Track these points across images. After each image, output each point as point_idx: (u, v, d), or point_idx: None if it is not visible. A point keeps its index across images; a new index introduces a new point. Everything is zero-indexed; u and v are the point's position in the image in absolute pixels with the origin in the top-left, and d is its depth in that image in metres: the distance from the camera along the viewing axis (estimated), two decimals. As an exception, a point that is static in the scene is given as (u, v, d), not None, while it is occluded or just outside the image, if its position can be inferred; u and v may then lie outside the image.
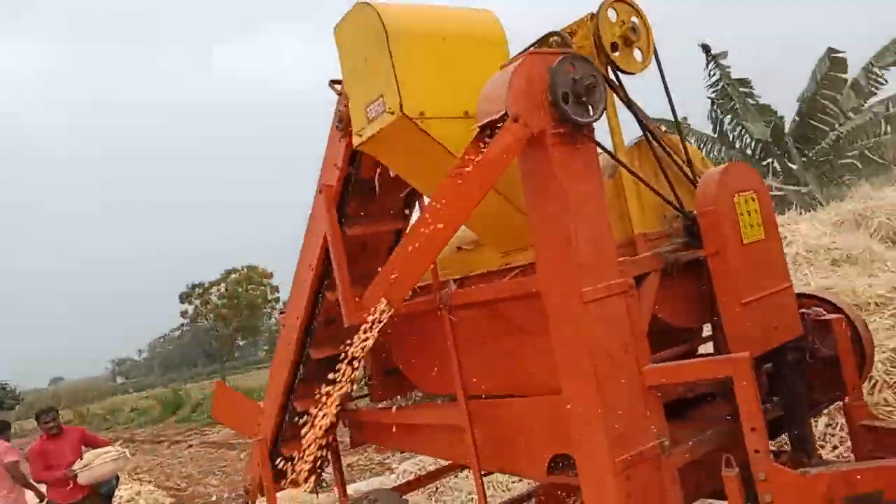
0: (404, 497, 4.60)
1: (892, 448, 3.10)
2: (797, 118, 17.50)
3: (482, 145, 2.77)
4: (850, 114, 17.10)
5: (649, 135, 3.26)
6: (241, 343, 53.52)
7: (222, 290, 42.30)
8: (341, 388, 3.21)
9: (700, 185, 3.14)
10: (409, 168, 3.43)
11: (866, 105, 17.30)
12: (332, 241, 3.75)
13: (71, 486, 6.54)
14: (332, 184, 3.74)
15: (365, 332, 2.88)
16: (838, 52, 16.31)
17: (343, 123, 3.56)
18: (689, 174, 3.34)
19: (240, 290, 41.92)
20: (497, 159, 2.67)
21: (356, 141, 3.37)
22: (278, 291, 41.70)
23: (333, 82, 3.73)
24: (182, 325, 53.76)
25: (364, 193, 3.80)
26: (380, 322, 2.76)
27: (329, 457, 5.11)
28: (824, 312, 3.42)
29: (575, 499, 4.35)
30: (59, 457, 6.60)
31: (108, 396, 56.61)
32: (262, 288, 42.66)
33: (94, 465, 6.47)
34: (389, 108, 3.11)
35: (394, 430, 4.48)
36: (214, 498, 10.63)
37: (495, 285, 3.55)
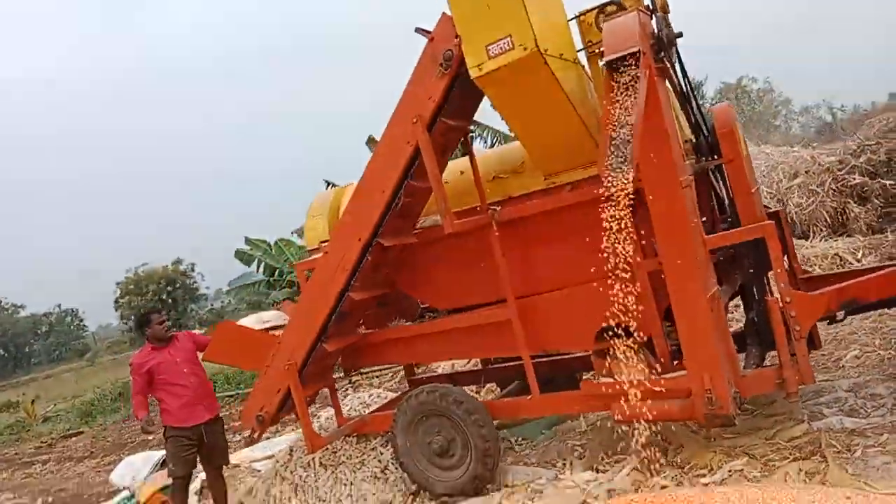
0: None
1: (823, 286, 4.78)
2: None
3: (614, 81, 3.76)
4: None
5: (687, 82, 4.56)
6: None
7: None
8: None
9: (718, 114, 4.53)
10: (515, 104, 4.23)
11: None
12: (426, 156, 4.37)
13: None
14: (426, 112, 4.36)
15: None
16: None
17: (449, 62, 4.22)
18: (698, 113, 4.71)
19: None
20: (651, 83, 3.71)
21: (474, 73, 4.08)
22: None
23: (420, 30, 4.37)
24: None
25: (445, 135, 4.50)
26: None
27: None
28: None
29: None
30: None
31: None
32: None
33: None
34: (521, 45, 3.93)
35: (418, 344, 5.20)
36: None
37: (560, 196, 4.54)
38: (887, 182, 10.16)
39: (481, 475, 4.74)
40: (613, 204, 3.59)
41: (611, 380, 4.36)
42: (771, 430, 4.46)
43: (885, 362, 5.56)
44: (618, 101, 3.68)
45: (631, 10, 4.21)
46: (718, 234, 4.31)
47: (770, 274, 4.78)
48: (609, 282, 4.02)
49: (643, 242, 4.31)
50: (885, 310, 6.32)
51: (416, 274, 5.25)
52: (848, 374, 5.55)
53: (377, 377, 11.30)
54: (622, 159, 3.45)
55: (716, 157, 4.63)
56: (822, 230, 10.34)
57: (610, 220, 3.72)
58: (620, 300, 3.98)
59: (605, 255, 3.88)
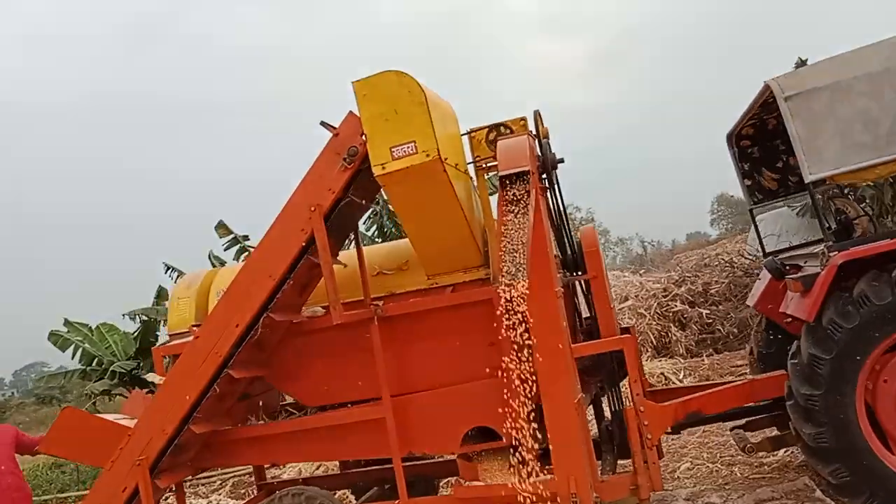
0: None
1: (667, 400, 5.23)
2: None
3: (508, 193, 4.10)
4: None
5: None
6: None
7: None
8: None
9: (585, 234, 4.99)
10: (411, 204, 4.44)
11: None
12: (321, 250, 4.38)
13: None
14: (325, 203, 4.42)
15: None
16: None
17: (353, 158, 4.36)
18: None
19: None
20: (536, 203, 4.06)
21: (377, 171, 4.24)
22: None
23: (325, 124, 4.50)
24: None
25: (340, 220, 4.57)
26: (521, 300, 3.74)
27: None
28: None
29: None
30: None
31: None
32: None
33: None
34: (425, 151, 4.18)
35: (278, 442, 5.00)
36: None
37: (447, 296, 4.71)
38: (703, 311, 11.43)
39: None
40: (512, 306, 3.78)
41: (481, 483, 4.41)
42: None
43: (714, 474, 6.10)
44: (511, 212, 3.99)
45: (520, 134, 4.65)
46: (585, 342, 4.65)
47: (622, 385, 5.21)
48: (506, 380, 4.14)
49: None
50: (709, 426, 6.97)
51: (286, 367, 5.08)
52: (683, 484, 6.01)
53: (204, 484, 10.48)
54: (517, 267, 3.70)
55: (580, 273, 5.04)
56: (648, 350, 11.32)
57: (509, 319, 3.90)
58: (514, 404, 4.11)
59: (511, 352, 4.00)
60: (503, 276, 3.75)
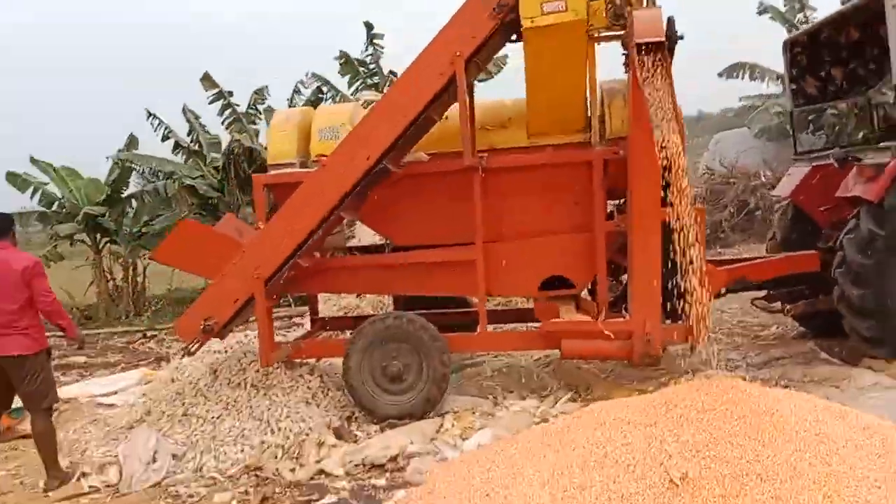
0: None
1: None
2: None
3: (645, 61, 4.45)
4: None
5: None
6: None
7: None
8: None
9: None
10: (545, 59, 4.72)
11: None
12: (461, 89, 4.70)
13: None
14: (466, 50, 4.66)
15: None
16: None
17: (502, 9, 4.58)
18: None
19: None
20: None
21: (526, 24, 4.50)
22: None
23: None
24: None
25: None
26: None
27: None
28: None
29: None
30: None
31: None
32: None
33: None
34: (574, 10, 4.48)
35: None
36: None
37: (551, 154, 5.13)
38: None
39: (434, 398, 5.09)
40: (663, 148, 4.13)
41: (566, 319, 5.00)
42: (662, 378, 5.40)
43: (724, 340, 6.94)
44: (648, 76, 4.39)
45: (644, 6, 4.96)
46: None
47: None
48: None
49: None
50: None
51: (380, 207, 5.39)
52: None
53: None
54: (665, 117, 4.11)
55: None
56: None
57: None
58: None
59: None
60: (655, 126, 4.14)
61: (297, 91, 14.63)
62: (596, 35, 5.18)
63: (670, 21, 4.77)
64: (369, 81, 14.52)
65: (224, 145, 13.49)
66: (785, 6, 16.52)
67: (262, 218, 5.35)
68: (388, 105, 4.88)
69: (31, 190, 14.01)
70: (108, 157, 13.77)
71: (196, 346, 5.11)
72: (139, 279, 13.63)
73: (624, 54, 4.85)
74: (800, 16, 16.29)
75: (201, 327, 4.98)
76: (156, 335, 10.15)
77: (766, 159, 14.65)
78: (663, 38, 4.47)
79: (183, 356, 5.41)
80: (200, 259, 5.07)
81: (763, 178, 13.82)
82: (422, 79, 4.77)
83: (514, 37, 4.87)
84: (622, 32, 4.89)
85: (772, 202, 10.77)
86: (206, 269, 5.21)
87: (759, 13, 16.53)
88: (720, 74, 16.84)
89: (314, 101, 13.78)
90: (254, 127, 14.30)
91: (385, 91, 5.32)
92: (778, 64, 16.43)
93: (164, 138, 13.87)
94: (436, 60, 4.74)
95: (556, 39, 4.58)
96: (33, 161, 13.76)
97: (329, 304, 8.85)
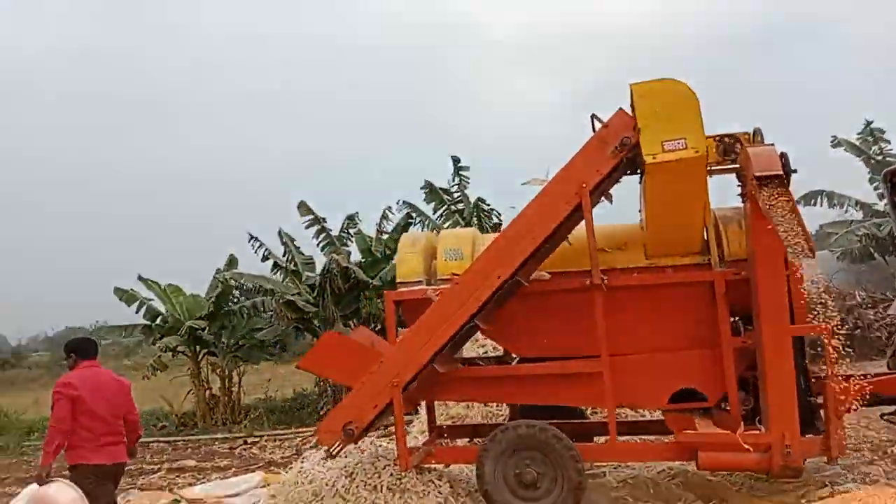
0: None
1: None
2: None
3: (764, 193, 4.87)
4: None
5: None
6: None
7: None
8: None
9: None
10: (666, 191, 5.26)
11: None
12: (587, 216, 5.27)
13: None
14: (591, 181, 5.22)
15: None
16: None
17: (623, 147, 5.14)
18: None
19: None
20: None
21: (648, 160, 5.02)
22: None
23: (595, 117, 5.29)
24: None
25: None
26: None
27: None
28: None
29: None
30: None
31: None
32: None
33: None
34: (694, 148, 4.98)
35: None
36: None
37: (672, 274, 5.52)
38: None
39: None
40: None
41: (704, 431, 5.17)
42: (800, 491, 5.44)
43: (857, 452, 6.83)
44: (771, 205, 4.78)
45: (766, 144, 5.39)
46: (798, 325, 5.41)
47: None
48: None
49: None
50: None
51: (507, 322, 5.80)
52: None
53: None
54: (803, 246, 4.48)
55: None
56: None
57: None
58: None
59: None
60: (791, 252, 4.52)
61: (384, 217, 15.49)
62: (708, 169, 5.70)
63: (784, 156, 5.22)
64: (453, 208, 15.39)
65: (319, 266, 14.35)
66: (857, 139, 16.98)
67: (392, 328, 5.82)
68: (519, 229, 5.41)
69: (136, 304, 15.07)
70: (214, 276, 14.78)
71: (338, 449, 5.45)
72: (234, 389, 14.25)
73: (739, 185, 5.31)
74: (874, 148, 16.66)
75: (343, 431, 5.35)
76: (257, 441, 10.57)
77: (859, 280, 14.74)
78: (780, 172, 4.91)
79: (325, 459, 5.72)
80: (342, 367, 5.52)
81: (858, 299, 13.82)
82: (550, 206, 5.33)
83: (637, 169, 5.39)
84: (734, 166, 5.39)
85: (871, 321, 10.95)
86: (346, 376, 5.63)
87: (833, 146, 16.98)
88: (797, 202, 17.10)
89: (404, 226, 14.62)
90: (346, 248, 15.16)
91: (503, 228, 6.07)
92: (855, 191, 16.89)
93: (265, 258, 14.83)
94: (563, 191, 5.29)
95: (677, 173, 5.08)
96: (141, 279, 14.88)
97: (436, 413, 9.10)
